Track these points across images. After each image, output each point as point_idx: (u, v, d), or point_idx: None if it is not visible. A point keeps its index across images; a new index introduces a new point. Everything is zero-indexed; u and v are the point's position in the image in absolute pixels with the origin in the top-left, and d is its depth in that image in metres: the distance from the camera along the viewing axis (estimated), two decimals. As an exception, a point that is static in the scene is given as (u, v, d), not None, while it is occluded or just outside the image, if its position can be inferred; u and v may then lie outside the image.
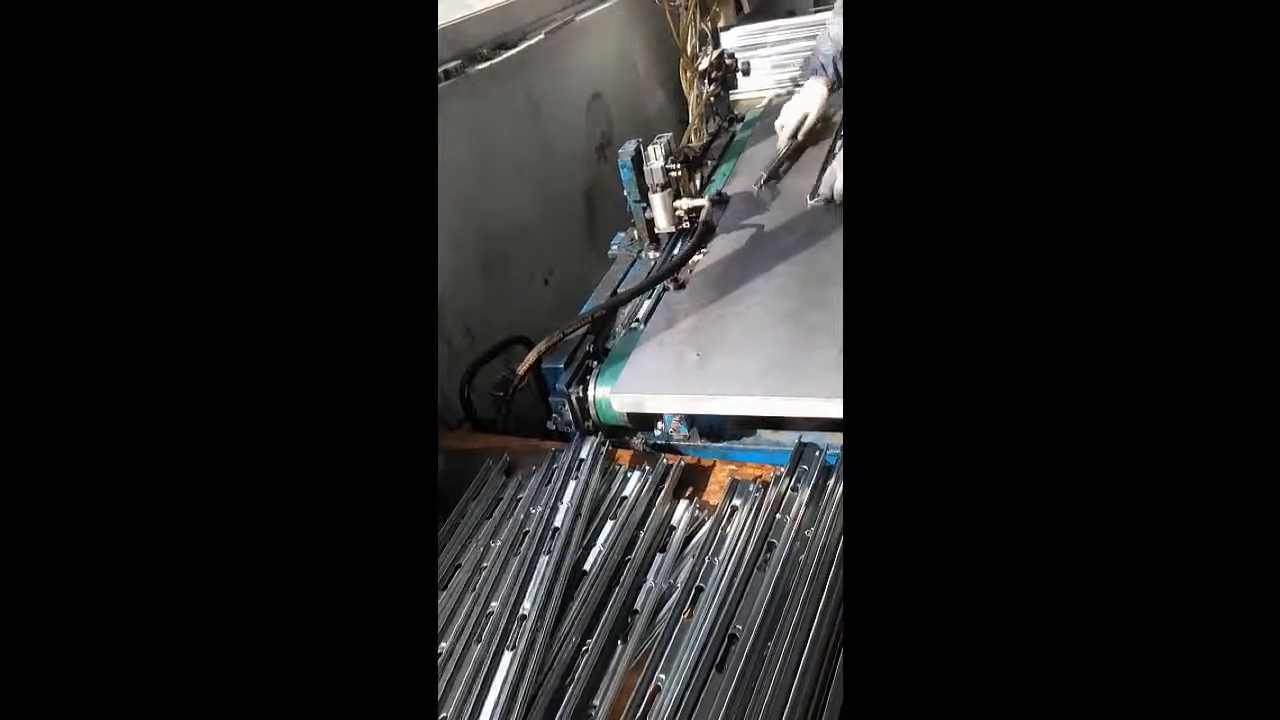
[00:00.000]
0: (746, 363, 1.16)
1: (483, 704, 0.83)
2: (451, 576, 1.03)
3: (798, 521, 0.94)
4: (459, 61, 1.65)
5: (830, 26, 1.70)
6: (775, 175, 1.70)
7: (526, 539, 1.01)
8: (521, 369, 1.30)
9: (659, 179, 1.50)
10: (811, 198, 1.52)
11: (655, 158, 1.48)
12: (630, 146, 1.48)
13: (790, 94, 2.12)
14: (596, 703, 0.83)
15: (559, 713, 0.82)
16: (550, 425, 1.30)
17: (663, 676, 0.82)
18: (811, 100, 1.73)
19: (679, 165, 1.52)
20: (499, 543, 1.05)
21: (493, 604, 0.95)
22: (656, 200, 1.52)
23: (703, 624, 0.85)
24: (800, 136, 1.76)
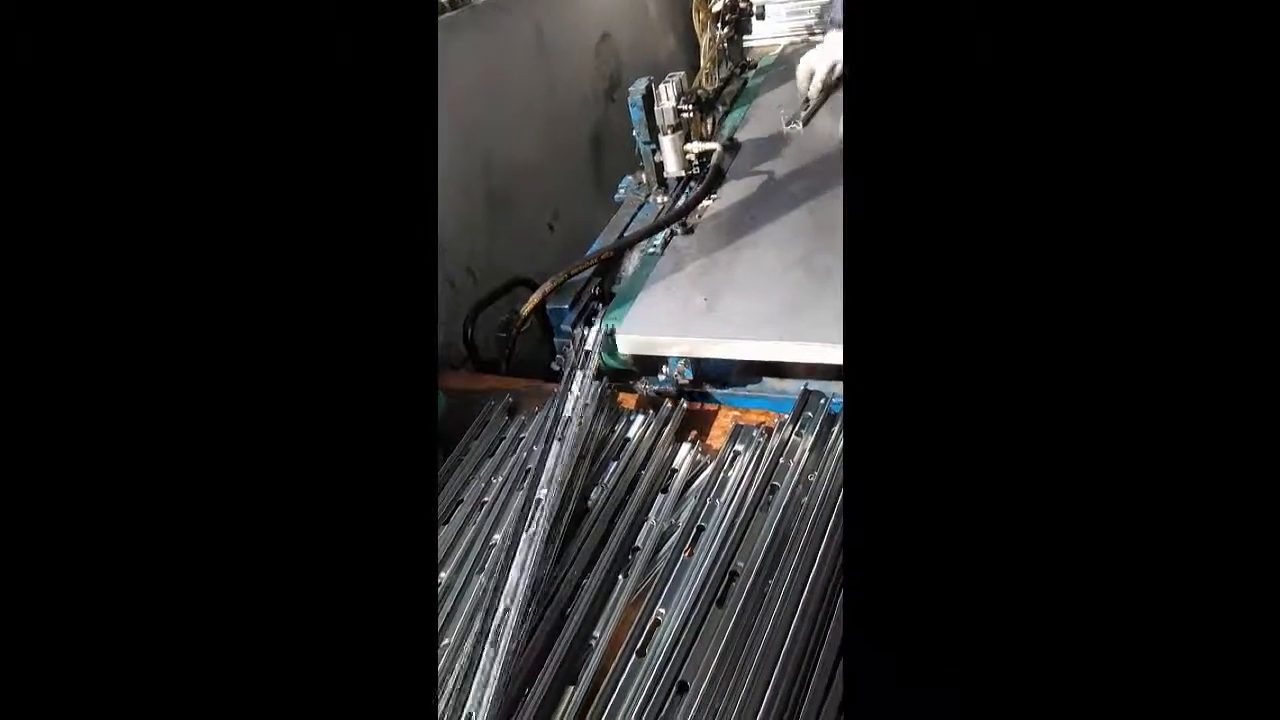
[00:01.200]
0: (754, 307, 1.15)
1: (484, 635, 0.84)
2: (453, 511, 1.03)
3: (801, 466, 0.94)
4: (466, -8, 1.60)
5: None
6: (804, 120, 1.68)
7: (529, 476, 1.01)
8: (525, 309, 1.29)
9: (670, 120, 1.46)
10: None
11: (667, 98, 1.44)
12: (641, 85, 1.44)
13: (806, 43, 2.06)
14: (597, 634, 0.85)
15: (559, 640, 0.83)
16: (554, 366, 1.29)
17: (662, 611, 0.83)
18: (838, 50, 1.71)
19: (691, 107, 1.48)
20: (500, 478, 1.05)
21: (495, 536, 0.96)
22: (666, 143, 1.49)
23: (703, 561, 0.85)
24: (832, 83, 1.73)
